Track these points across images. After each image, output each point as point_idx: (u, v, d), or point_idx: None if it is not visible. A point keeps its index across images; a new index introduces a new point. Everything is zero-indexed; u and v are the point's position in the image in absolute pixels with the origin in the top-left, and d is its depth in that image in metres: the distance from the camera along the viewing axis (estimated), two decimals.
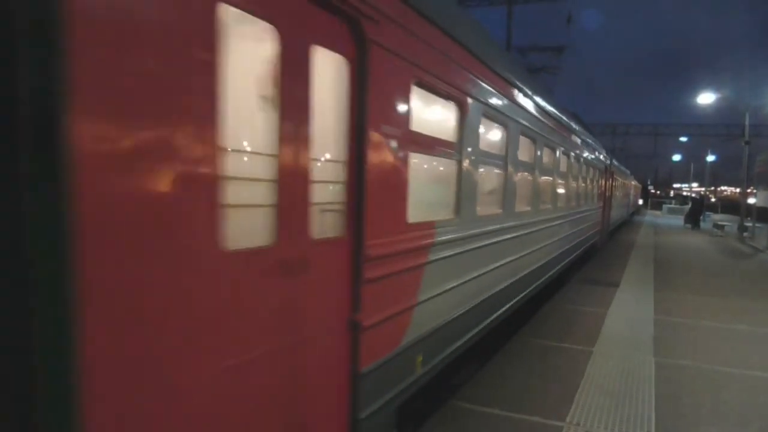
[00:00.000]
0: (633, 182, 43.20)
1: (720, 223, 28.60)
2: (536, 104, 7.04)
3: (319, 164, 2.72)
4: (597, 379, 5.30)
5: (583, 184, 12.11)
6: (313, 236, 2.59)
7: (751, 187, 27.29)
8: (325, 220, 2.79)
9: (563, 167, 9.42)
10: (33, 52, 1.38)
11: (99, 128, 1.54)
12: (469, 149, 4.53)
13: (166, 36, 1.74)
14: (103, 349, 1.57)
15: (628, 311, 8.32)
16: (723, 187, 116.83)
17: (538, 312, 7.98)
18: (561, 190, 9.37)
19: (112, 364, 1.61)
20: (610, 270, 12.58)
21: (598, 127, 44.39)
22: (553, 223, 8.73)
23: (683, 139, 54.65)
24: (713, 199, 76.06)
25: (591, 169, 13.55)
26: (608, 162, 18.41)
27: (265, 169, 2.36)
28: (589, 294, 9.55)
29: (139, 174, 1.66)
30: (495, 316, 5.70)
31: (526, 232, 6.80)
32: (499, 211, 5.67)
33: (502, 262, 5.79)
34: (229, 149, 2.16)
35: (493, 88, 5.11)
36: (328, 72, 2.71)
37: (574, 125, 10.71)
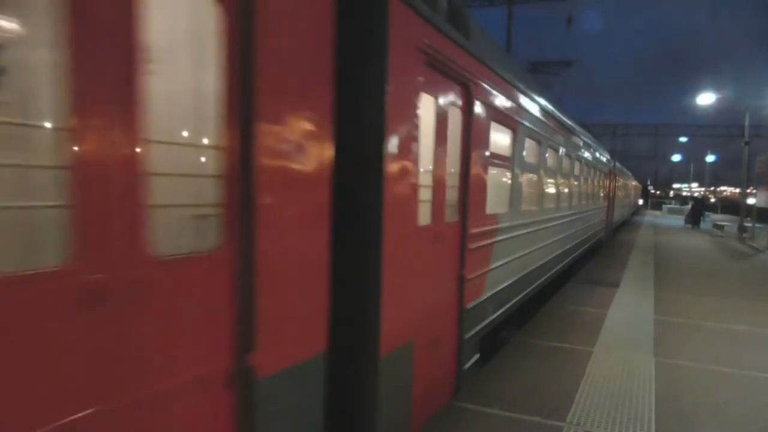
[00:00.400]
0: (633, 183, 43.24)
1: (720, 223, 28.60)
2: (559, 122, 8.70)
3: (448, 176, 4.22)
4: (597, 379, 5.31)
5: (592, 186, 13.88)
6: (446, 220, 4.21)
7: (751, 188, 27.31)
8: (449, 210, 4.31)
9: (577, 172, 11.16)
10: (378, 142, 3.09)
11: (392, 163, 3.16)
12: (517, 161, 6.17)
13: (413, 115, 3.41)
14: (391, 257, 3.21)
15: (628, 311, 8.33)
16: (723, 188, 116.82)
17: (538, 312, 7.99)
18: (576, 191, 11.12)
19: (394, 265, 3.28)
20: (610, 270, 12.60)
21: (598, 127, 44.31)
22: (571, 218, 10.50)
23: (683, 139, 54.71)
24: (713, 200, 75.98)
25: (598, 173, 15.30)
26: (612, 165, 19.67)
27: (426, 179, 3.85)
28: (589, 294, 9.56)
29: (401, 182, 3.28)
30: (530, 289, 7.31)
31: (552, 224, 8.59)
32: (535, 207, 7.27)
33: (537, 246, 7.49)
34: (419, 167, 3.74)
35: (532, 113, 6.72)
36: (453, 119, 4.27)
37: (585, 135, 12.37)
